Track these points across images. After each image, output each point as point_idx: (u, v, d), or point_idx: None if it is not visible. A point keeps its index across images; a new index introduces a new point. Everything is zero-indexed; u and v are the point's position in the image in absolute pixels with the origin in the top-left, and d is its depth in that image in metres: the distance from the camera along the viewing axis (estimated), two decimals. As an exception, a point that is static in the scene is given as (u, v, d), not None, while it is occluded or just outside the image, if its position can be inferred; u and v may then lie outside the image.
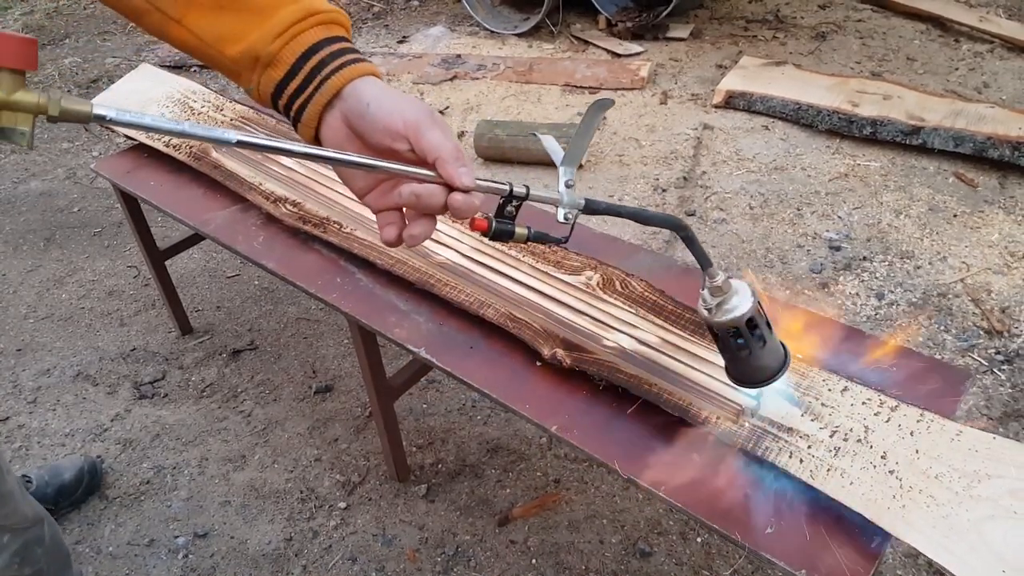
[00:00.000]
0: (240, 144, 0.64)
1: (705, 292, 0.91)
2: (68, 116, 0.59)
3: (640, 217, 0.86)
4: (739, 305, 0.90)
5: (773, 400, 1.11)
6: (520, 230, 0.78)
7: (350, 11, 4.87)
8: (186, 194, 1.83)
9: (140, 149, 2.01)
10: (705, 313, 0.92)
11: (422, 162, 0.69)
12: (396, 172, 0.69)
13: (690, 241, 0.86)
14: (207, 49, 0.72)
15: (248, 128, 1.96)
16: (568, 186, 0.79)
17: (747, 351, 0.93)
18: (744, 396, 1.11)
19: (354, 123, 0.71)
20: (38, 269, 2.74)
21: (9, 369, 2.29)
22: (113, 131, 2.05)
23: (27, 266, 2.75)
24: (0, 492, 1.24)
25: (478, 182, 0.70)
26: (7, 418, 2.11)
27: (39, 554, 1.33)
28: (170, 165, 1.92)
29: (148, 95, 2.10)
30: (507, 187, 0.74)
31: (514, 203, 0.76)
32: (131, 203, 2.04)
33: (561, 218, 0.79)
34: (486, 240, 1.28)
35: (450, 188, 0.69)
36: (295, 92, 0.72)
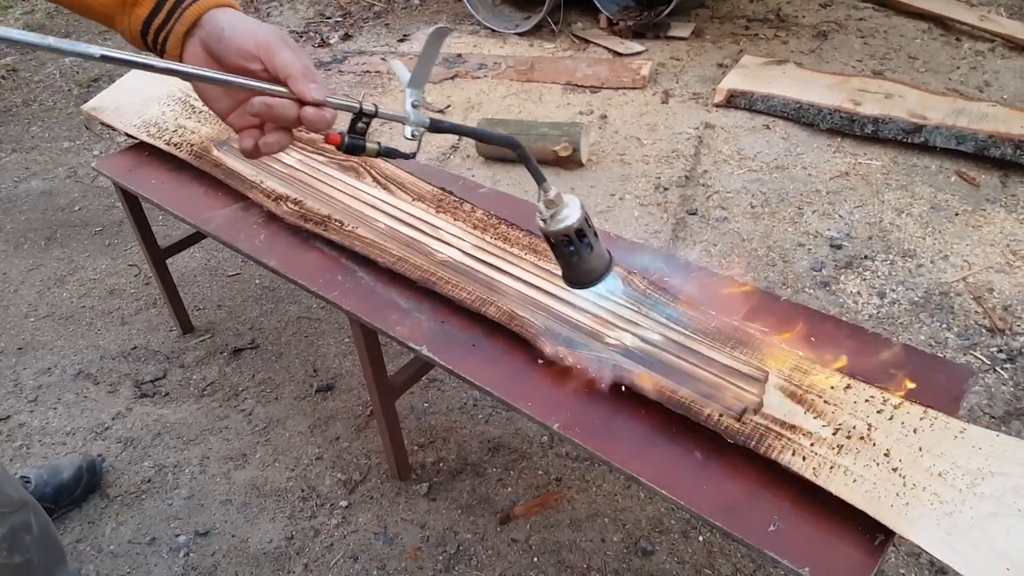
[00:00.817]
0: (104, 59, 0.67)
1: (541, 205, 1.00)
2: None
3: (481, 136, 0.95)
4: (570, 216, 0.99)
5: (771, 394, 1.11)
6: (371, 145, 0.82)
7: (351, 10, 4.87)
8: (187, 192, 1.83)
9: (141, 148, 2.01)
10: (541, 224, 1.01)
11: (276, 80, 0.75)
12: (251, 88, 0.75)
13: (525, 159, 0.94)
14: None
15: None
16: (414, 106, 0.84)
17: (577, 256, 1.03)
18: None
19: (212, 48, 0.77)
20: (39, 268, 2.73)
21: (10, 368, 2.29)
22: (106, 124, 2.04)
23: (28, 265, 2.75)
24: None
25: (329, 99, 0.75)
26: (8, 417, 2.11)
27: (28, 542, 1.31)
28: (171, 164, 1.92)
29: (149, 94, 2.10)
30: (357, 105, 0.79)
31: (364, 120, 0.80)
32: (132, 201, 2.04)
33: (408, 135, 0.84)
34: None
35: (302, 103, 0.74)
36: (159, 26, 0.78)
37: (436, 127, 0.85)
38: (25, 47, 0.64)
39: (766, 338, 1.22)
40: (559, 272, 1.08)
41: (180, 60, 0.79)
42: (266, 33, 0.75)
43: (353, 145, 0.81)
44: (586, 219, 1.00)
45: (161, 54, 0.79)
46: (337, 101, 0.77)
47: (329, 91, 0.76)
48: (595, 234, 1.03)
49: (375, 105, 0.81)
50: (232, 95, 0.79)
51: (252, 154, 0.79)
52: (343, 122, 0.82)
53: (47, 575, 1.38)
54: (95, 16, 0.81)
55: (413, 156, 0.86)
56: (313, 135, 1.90)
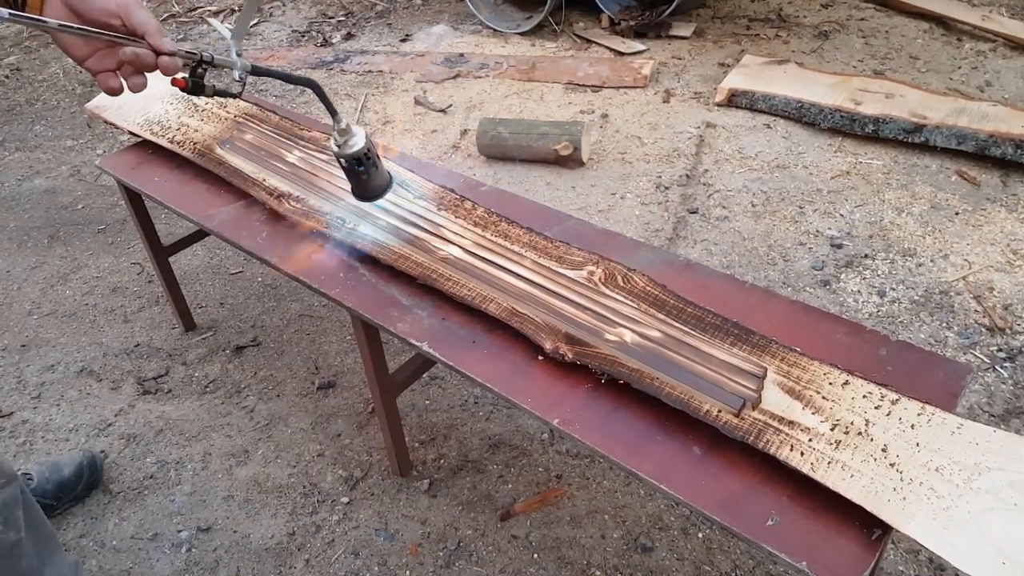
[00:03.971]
0: (11, 18, 0.80)
1: (335, 134, 1.24)
2: None
3: (287, 78, 1.16)
4: (358, 142, 1.25)
5: (769, 390, 1.11)
6: (208, 87, 1.03)
7: (353, 10, 4.88)
8: (190, 190, 1.84)
9: (144, 146, 2.02)
10: (336, 149, 1.26)
11: (133, 34, 0.92)
12: (117, 41, 0.92)
13: (322, 97, 1.18)
14: None
15: (251, 124, 1.97)
16: (238, 55, 1.06)
17: (366, 175, 1.30)
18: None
19: (73, 4, 0.90)
20: (42, 266, 2.75)
21: (13, 365, 2.30)
22: (109, 122, 2.06)
23: (31, 263, 2.76)
24: None
25: (177, 49, 0.95)
26: (11, 413, 2.12)
27: (20, 518, 1.30)
28: (174, 161, 1.93)
29: (152, 92, 2.10)
30: (198, 54, 1.00)
31: (204, 66, 1.01)
32: (135, 199, 2.05)
33: (236, 78, 1.06)
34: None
35: (157, 53, 0.92)
36: None
37: (256, 71, 1.07)
38: None
39: (764, 334, 1.23)
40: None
41: (40, 13, 0.90)
42: None
43: (195, 87, 1.01)
44: (371, 144, 1.26)
45: (22, 7, 0.90)
46: (184, 51, 0.96)
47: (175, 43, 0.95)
48: (378, 156, 1.30)
49: (211, 54, 1.02)
50: (90, 44, 0.93)
51: (118, 92, 0.95)
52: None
53: (43, 562, 1.37)
54: None
55: (240, 95, 1.10)
56: (315, 134, 1.91)
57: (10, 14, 0.78)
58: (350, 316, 1.50)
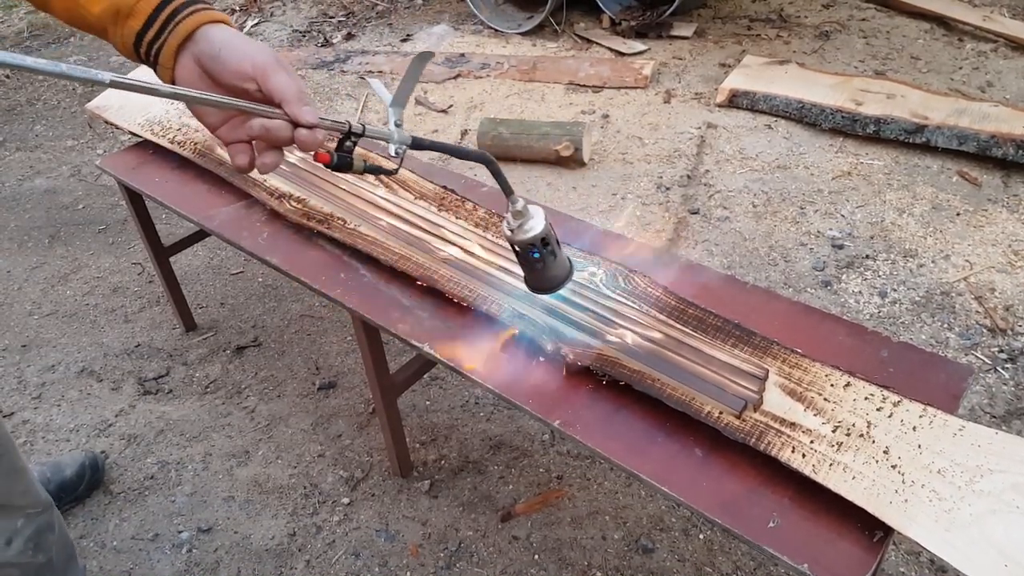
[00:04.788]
0: (113, 84, 0.68)
1: (508, 216, 1.06)
2: None
3: (457, 153, 0.99)
4: (535, 226, 1.06)
5: (771, 392, 1.11)
6: (358, 162, 0.87)
7: (354, 10, 4.88)
8: (191, 190, 1.84)
9: (145, 146, 2.02)
10: (508, 233, 1.07)
11: (270, 101, 0.77)
12: (249, 110, 0.77)
13: (496, 174, 1.00)
14: (78, 10, 0.80)
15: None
16: (397, 125, 0.88)
17: (542, 264, 1.10)
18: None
19: (206, 65, 0.78)
20: (43, 266, 2.75)
21: (14, 365, 2.30)
22: (109, 122, 2.06)
23: (32, 263, 2.76)
24: (14, 468, 1.25)
25: (320, 119, 0.78)
26: (12, 414, 2.12)
27: (51, 541, 1.34)
28: (175, 162, 1.93)
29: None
30: (346, 125, 0.83)
31: (352, 139, 0.84)
32: (136, 199, 2.05)
33: (392, 152, 0.88)
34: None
35: (295, 124, 0.77)
36: (152, 39, 0.79)
37: (417, 144, 0.90)
38: (37, 74, 0.65)
39: (766, 336, 1.23)
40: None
41: (173, 72, 0.80)
42: (262, 55, 0.77)
43: (342, 163, 0.85)
44: (551, 228, 1.07)
45: (154, 67, 0.81)
46: (328, 122, 0.80)
47: (320, 112, 0.80)
48: (558, 243, 1.10)
49: (363, 125, 0.85)
50: (224, 112, 0.81)
51: (246, 170, 0.82)
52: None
53: (63, 572, 1.40)
54: (88, 28, 0.82)
55: (396, 172, 0.92)
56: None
57: (111, 80, 0.68)
58: (351, 317, 1.50)
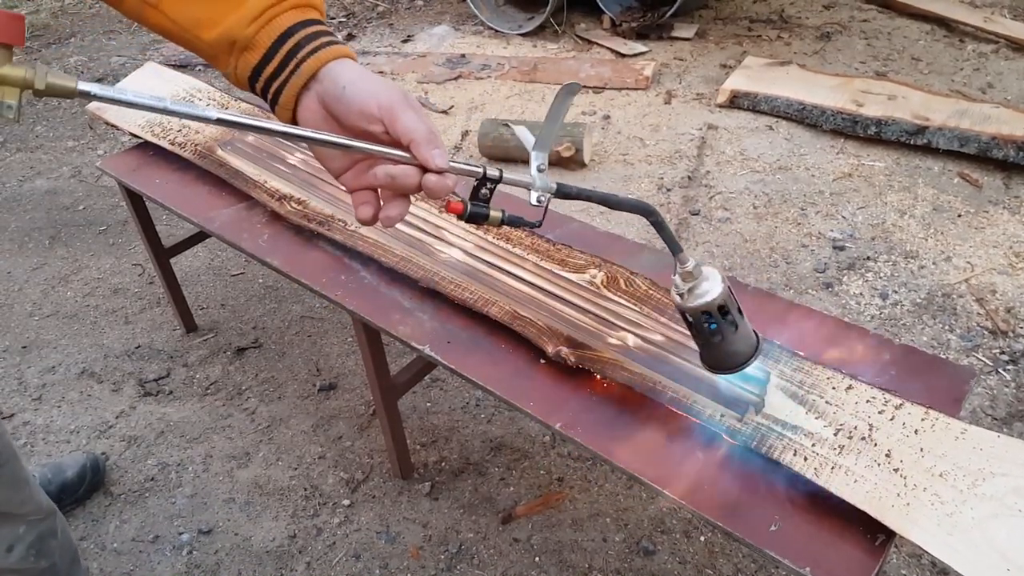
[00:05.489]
0: (220, 121, 0.65)
1: (677, 278, 0.92)
2: (54, 91, 0.60)
3: (610, 202, 0.87)
4: (710, 290, 0.91)
5: (773, 395, 1.11)
6: (495, 213, 0.79)
7: (355, 10, 4.88)
8: (191, 192, 1.84)
9: (146, 147, 2.01)
10: (678, 299, 0.93)
11: (397, 144, 0.70)
12: (372, 153, 0.71)
13: (660, 227, 0.87)
14: (184, 34, 0.73)
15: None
16: (540, 170, 0.80)
17: (719, 336, 0.94)
18: (747, 392, 1.11)
19: (330, 105, 0.72)
20: (43, 267, 2.74)
21: (14, 366, 2.30)
22: (110, 123, 2.05)
23: (32, 264, 2.76)
24: (17, 477, 1.24)
25: (452, 164, 0.71)
26: (12, 415, 2.12)
27: (53, 547, 1.33)
28: (175, 163, 1.93)
29: (154, 93, 2.10)
30: (481, 170, 0.75)
31: (488, 186, 0.76)
32: (136, 201, 2.05)
33: (534, 201, 0.80)
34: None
35: (424, 169, 0.70)
36: (272, 75, 0.73)
37: (563, 193, 0.81)
38: (138, 108, 0.61)
39: (767, 338, 1.23)
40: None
41: (294, 113, 0.74)
42: (389, 93, 0.70)
43: (476, 213, 0.77)
44: (730, 292, 0.92)
45: (272, 105, 0.75)
46: (461, 166, 0.73)
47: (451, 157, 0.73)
48: (739, 310, 0.94)
49: (499, 169, 0.77)
50: (349, 156, 0.75)
51: (369, 223, 0.75)
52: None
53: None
54: (198, 53, 0.75)
55: (539, 225, 0.81)
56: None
57: (218, 118, 0.64)
58: (352, 319, 1.50)
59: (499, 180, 0.77)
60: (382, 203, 0.75)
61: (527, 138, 0.84)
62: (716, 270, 0.92)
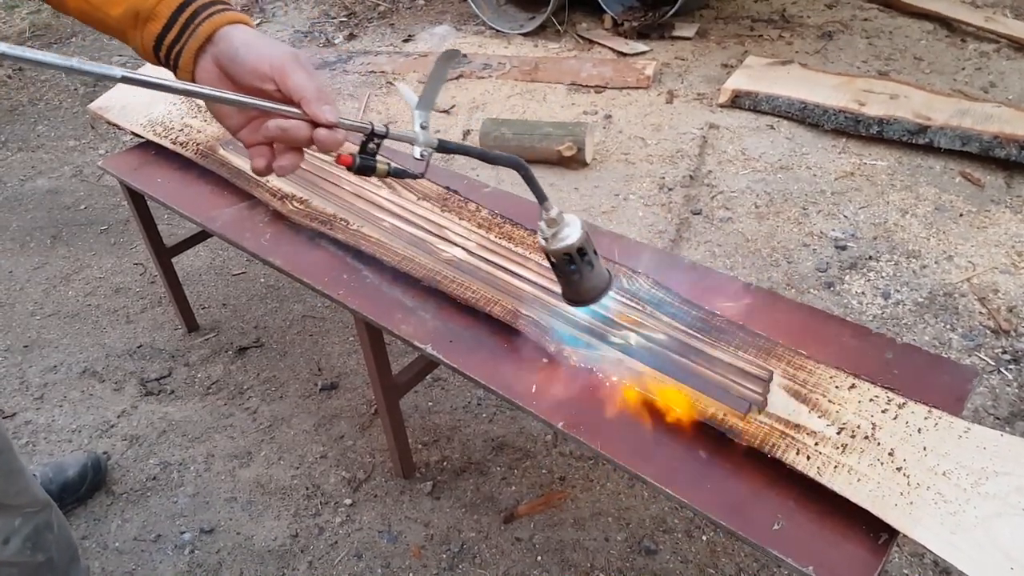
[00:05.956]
0: (124, 80, 0.67)
1: (542, 224, 1.01)
2: None
3: (486, 157, 0.94)
4: (571, 235, 1.00)
5: (776, 394, 1.11)
6: (381, 165, 0.83)
7: (356, 10, 4.88)
8: (193, 191, 1.84)
9: (147, 146, 2.01)
10: (543, 242, 1.02)
11: (289, 101, 0.75)
12: (267, 109, 0.75)
13: (529, 179, 0.95)
14: (96, 12, 0.79)
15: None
16: (423, 127, 0.85)
17: (578, 275, 1.04)
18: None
19: (225, 66, 0.77)
20: (45, 266, 2.75)
21: (16, 366, 2.30)
22: (112, 123, 2.05)
23: (34, 263, 2.76)
24: (11, 468, 1.25)
25: (341, 120, 0.76)
26: (14, 414, 2.12)
27: (50, 540, 1.33)
28: (177, 162, 1.93)
29: (155, 93, 2.10)
30: (369, 126, 0.80)
31: (376, 141, 0.82)
32: (138, 200, 2.05)
33: (417, 155, 0.85)
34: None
35: (315, 124, 0.75)
36: (172, 41, 0.78)
37: (444, 147, 0.87)
38: (47, 68, 0.63)
39: (770, 337, 1.23)
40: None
41: (193, 76, 0.79)
42: (281, 54, 0.75)
43: (364, 166, 0.82)
44: (588, 237, 1.01)
45: (174, 70, 0.79)
46: (349, 122, 0.77)
47: (340, 112, 0.77)
48: (595, 252, 1.04)
49: (386, 126, 0.82)
50: (244, 113, 0.80)
51: (264, 173, 0.80)
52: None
53: (64, 573, 1.40)
54: (108, 31, 0.80)
55: (422, 175, 0.88)
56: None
57: (123, 76, 0.66)
58: (353, 318, 1.50)
59: (385, 135, 0.81)
60: (277, 156, 0.80)
61: (411, 97, 0.89)
62: (576, 217, 1.01)
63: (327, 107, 0.74)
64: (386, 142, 0.82)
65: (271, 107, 0.75)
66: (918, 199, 2.71)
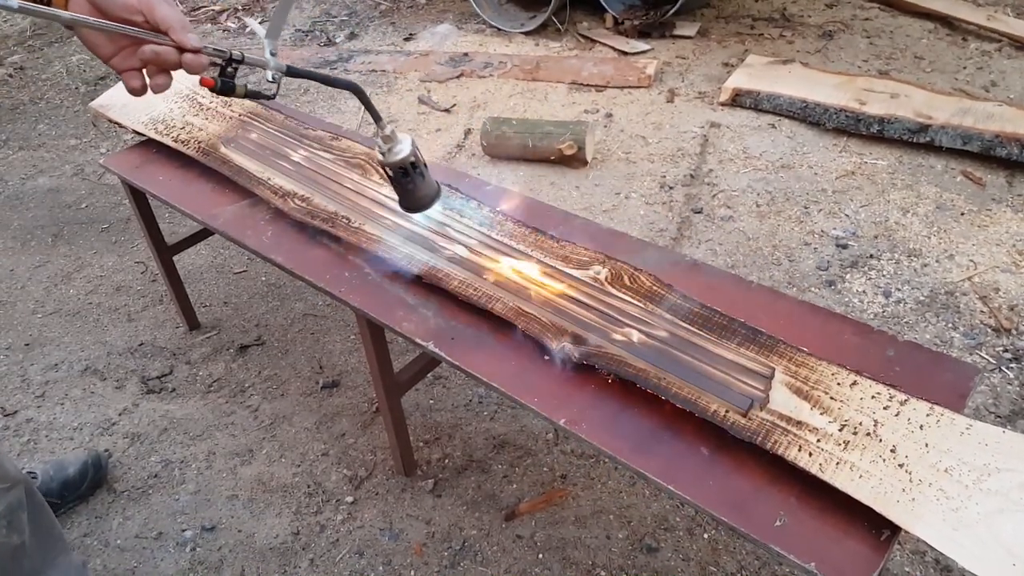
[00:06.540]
0: (22, 9, 0.76)
1: (379, 140, 1.15)
2: None
3: (328, 81, 1.07)
4: (403, 150, 1.16)
5: (778, 391, 1.11)
6: (239, 87, 0.95)
7: (357, 9, 4.88)
8: (194, 189, 1.84)
9: (149, 145, 2.01)
10: (380, 156, 1.17)
11: (156, 30, 0.87)
12: (140, 36, 0.86)
13: (366, 102, 1.09)
14: None
15: (256, 123, 1.97)
16: (272, 54, 0.98)
17: (412, 185, 1.20)
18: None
19: (97, 2, 0.86)
20: (46, 265, 2.75)
21: (17, 364, 2.30)
22: (113, 121, 2.05)
23: (35, 262, 2.76)
24: None
25: (204, 46, 0.89)
26: (15, 412, 2.12)
27: (24, 521, 1.31)
28: (179, 160, 1.93)
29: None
30: (227, 52, 0.92)
31: (233, 65, 0.93)
32: (139, 198, 2.05)
33: (269, 78, 0.97)
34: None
35: (181, 50, 0.87)
36: None
37: (291, 72, 0.99)
38: None
39: (772, 334, 1.23)
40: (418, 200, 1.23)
41: (65, 8, 0.86)
42: None
43: (225, 87, 0.93)
44: (417, 152, 1.17)
45: (48, 3, 0.86)
46: (211, 49, 0.90)
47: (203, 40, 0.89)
48: (425, 165, 1.20)
49: (242, 52, 0.94)
50: (115, 41, 0.89)
51: (140, 92, 0.90)
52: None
53: (47, 563, 1.38)
54: None
55: (274, 97, 0.99)
56: (320, 133, 1.91)
57: (20, 5, 0.75)
58: (355, 315, 1.50)
59: (242, 60, 0.94)
60: (149, 78, 0.91)
61: (259, 30, 1.02)
62: (408, 135, 1.16)
63: (191, 35, 0.87)
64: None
65: (145, 35, 0.86)
66: (919, 198, 2.71)
